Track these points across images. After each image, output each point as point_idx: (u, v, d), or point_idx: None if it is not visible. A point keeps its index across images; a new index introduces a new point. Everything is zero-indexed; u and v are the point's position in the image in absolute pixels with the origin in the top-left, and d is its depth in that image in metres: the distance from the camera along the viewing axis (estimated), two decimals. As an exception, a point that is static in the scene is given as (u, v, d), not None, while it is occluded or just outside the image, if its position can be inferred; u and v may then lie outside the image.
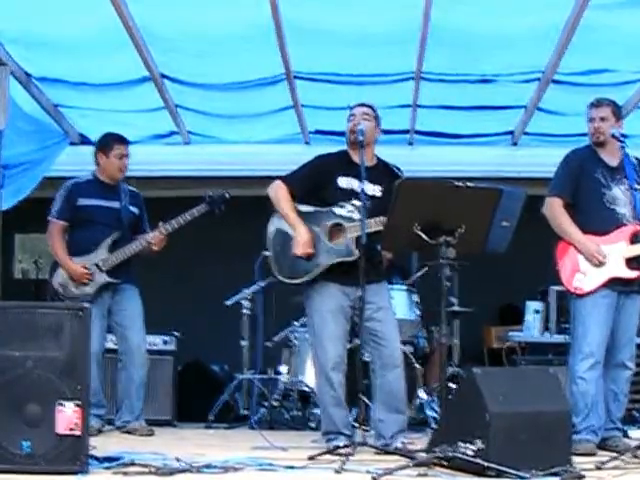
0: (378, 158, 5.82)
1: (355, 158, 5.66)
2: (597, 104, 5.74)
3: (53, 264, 6.58)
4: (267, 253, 5.84)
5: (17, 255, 10.21)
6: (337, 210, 5.62)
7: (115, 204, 6.54)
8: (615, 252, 5.57)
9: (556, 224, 5.71)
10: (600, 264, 5.57)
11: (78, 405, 4.34)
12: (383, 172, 5.70)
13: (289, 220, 5.65)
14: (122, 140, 6.63)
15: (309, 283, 5.62)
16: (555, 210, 5.71)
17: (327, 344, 5.58)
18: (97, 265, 6.41)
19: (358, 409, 5.51)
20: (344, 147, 5.82)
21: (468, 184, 4.94)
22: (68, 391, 4.35)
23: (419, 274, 7.57)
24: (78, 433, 4.32)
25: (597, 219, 5.63)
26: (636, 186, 5.51)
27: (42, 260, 9.66)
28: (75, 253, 6.46)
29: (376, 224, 5.42)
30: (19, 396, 4.34)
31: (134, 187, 6.75)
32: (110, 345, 6.77)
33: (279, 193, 5.70)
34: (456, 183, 4.93)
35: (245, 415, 7.43)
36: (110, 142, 6.60)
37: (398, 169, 5.77)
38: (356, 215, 5.47)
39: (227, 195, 6.49)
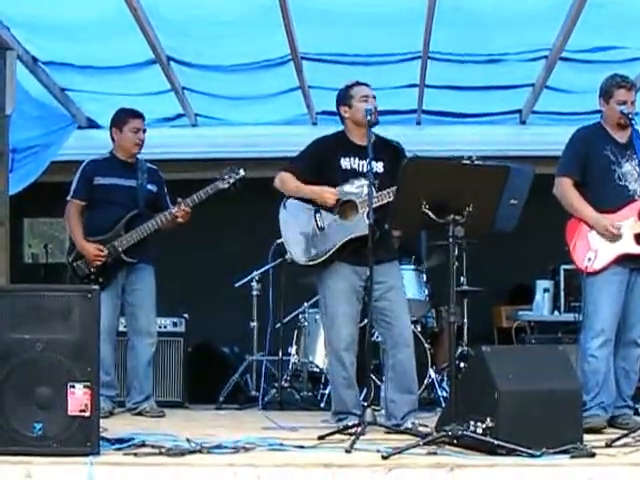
0: (375, 135, 5.77)
1: (353, 138, 5.71)
2: (631, 86, 5.65)
3: (71, 244, 6.58)
4: (279, 240, 5.85)
5: (26, 240, 10.21)
6: (346, 187, 5.62)
7: (132, 182, 6.52)
8: (625, 228, 5.53)
9: (567, 203, 5.67)
10: (615, 238, 5.51)
11: (88, 387, 4.36)
12: (382, 148, 5.67)
13: (301, 190, 5.66)
14: (136, 114, 6.59)
15: (321, 265, 5.62)
16: (565, 189, 5.67)
17: (339, 324, 5.59)
18: (113, 245, 6.41)
19: (368, 388, 5.51)
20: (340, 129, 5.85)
21: (475, 161, 4.91)
22: (78, 373, 4.36)
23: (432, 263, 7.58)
24: (88, 414, 4.34)
25: (609, 196, 5.58)
26: None
27: (52, 245, 9.66)
28: (92, 233, 6.45)
29: (388, 195, 5.42)
30: (30, 379, 4.35)
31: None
32: (122, 328, 6.75)
33: (285, 178, 5.72)
34: (463, 161, 4.90)
35: (255, 396, 7.42)
36: (124, 116, 6.57)
37: (397, 143, 5.77)
38: (366, 190, 5.45)
39: (242, 172, 6.44)
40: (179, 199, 6.43)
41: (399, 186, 4.92)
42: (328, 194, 5.57)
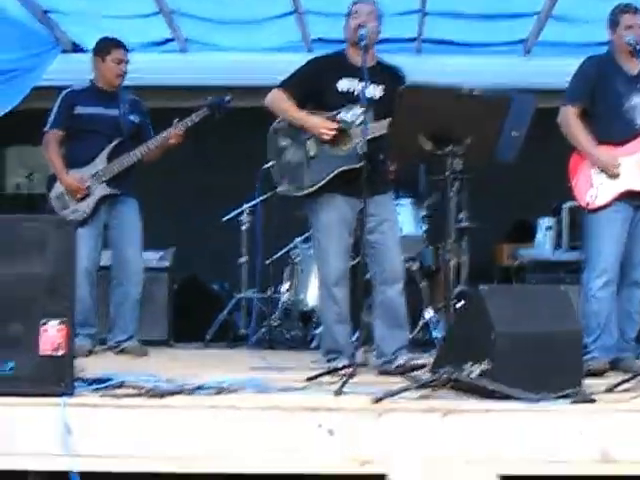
0: (378, 58, 5.56)
1: (353, 59, 5.42)
2: (635, 10, 5.47)
3: (50, 176, 6.39)
4: (269, 165, 5.66)
5: (9, 169, 9.99)
6: (342, 115, 5.37)
7: (114, 112, 6.33)
8: (631, 164, 5.35)
9: (569, 133, 5.48)
10: (614, 175, 5.34)
11: (63, 323, 4.16)
12: (384, 72, 5.45)
13: (294, 116, 5.42)
14: (119, 44, 6.42)
15: (313, 195, 5.42)
16: (569, 119, 5.47)
17: (330, 258, 5.41)
18: (96, 175, 6.21)
19: (360, 329, 5.33)
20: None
21: (474, 92, 4.69)
22: (52, 309, 4.16)
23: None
24: (62, 353, 4.15)
25: (615, 129, 5.39)
26: None
27: (35, 174, 9.43)
28: (73, 165, 6.27)
29: (382, 127, 5.15)
30: (1, 315, 4.13)
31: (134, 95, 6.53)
32: (103, 262, 6.50)
33: (277, 97, 5.46)
34: (462, 90, 4.68)
35: (244, 335, 7.29)
36: (107, 46, 6.39)
37: (399, 69, 5.55)
38: (361, 119, 5.19)
39: (228, 98, 6.24)
40: (175, 120, 6.24)
41: (395, 115, 4.69)
42: (325, 130, 5.32)
